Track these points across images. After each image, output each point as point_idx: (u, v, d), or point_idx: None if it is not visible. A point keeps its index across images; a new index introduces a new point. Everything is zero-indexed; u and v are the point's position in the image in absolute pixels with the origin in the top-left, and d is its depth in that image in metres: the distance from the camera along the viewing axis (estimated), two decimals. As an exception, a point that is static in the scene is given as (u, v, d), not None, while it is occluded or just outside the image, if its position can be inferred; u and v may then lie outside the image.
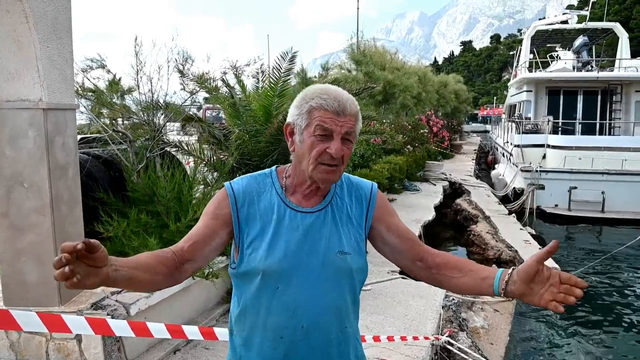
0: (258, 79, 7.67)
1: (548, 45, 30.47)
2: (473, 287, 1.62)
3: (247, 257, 1.61)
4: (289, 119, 1.65)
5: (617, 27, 24.54)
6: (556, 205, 16.25)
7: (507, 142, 21.99)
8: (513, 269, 1.48)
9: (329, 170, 1.57)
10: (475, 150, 34.46)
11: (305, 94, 1.62)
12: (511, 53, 54.66)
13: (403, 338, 4.65)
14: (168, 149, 6.35)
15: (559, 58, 26.47)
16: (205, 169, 6.52)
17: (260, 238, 1.61)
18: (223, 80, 7.00)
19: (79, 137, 4.80)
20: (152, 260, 1.48)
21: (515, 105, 24.53)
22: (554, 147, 17.87)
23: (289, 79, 6.75)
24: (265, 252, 1.58)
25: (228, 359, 1.75)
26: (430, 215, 11.61)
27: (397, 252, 1.75)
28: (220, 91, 7.03)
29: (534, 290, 1.41)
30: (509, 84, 31.86)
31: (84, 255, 1.17)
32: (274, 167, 1.76)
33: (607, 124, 20.40)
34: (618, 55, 23.76)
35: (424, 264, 1.72)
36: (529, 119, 20.75)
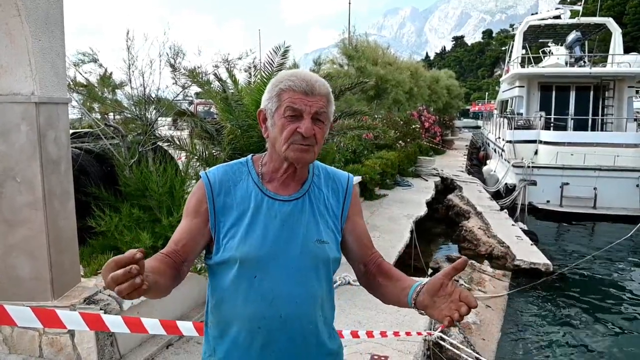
0: (250, 73, 7.64)
1: (540, 40, 30.41)
2: (394, 297, 1.63)
3: (223, 246, 1.59)
4: (261, 106, 1.66)
5: (610, 23, 24.43)
6: (548, 202, 16.26)
7: (499, 138, 21.98)
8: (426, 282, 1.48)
9: (302, 149, 1.56)
10: (467, 146, 34.53)
11: (274, 79, 1.62)
12: (503, 48, 54.78)
13: (396, 334, 4.66)
14: (160, 143, 6.33)
15: (552, 53, 26.49)
16: (198, 164, 6.50)
17: (237, 226, 1.59)
18: (215, 74, 6.98)
19: (70, 131, 4.77)
20: (161, 264, 1.48)
21: (507, 101, 24.54)
22: (546, 143, 17.87)
23: (281, 74, 6.71)
24: (242, 240, 1.57)
25: (203, 352, 1.72)
26: (422, 210, 11.61)
27: (350, 252, 1.77)
28: (212, 85, 7.01)
29: (436, 303, 1.41)
30: (500, 80, 31.87)
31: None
32: (249, 156, 1.76)
33: (600, 120, 20.40)
34: (611, 51, 23.69)
35: (366, 269, 1.75)
36: (521, 114, 20.75)
